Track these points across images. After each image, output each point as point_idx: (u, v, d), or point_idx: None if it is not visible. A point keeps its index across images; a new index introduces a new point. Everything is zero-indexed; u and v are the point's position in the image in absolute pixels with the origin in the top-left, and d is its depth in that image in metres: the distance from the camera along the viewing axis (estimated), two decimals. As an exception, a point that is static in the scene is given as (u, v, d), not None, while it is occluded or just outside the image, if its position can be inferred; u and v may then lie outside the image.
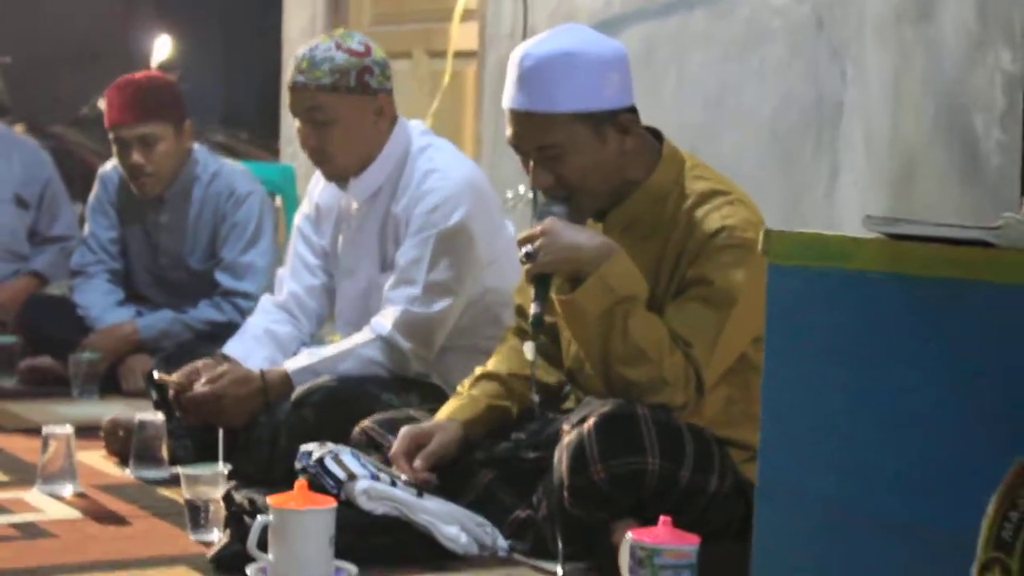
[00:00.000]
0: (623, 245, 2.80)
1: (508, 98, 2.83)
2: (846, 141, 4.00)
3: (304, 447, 2.85)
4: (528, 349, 2.79)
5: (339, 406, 3.22)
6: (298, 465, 2.82)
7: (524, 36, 4.76)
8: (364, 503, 2.75)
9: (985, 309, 1.61)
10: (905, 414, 1.70)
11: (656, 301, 2.78)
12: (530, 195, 2.85)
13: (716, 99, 4.37)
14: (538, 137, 2.79)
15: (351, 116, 3.41)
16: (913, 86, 3.82)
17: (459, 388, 3.07)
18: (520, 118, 2.81)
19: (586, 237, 2.76)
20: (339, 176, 3.47)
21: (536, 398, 2.91)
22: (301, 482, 2.58)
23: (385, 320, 3.37)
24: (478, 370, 3.07)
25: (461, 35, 5.38)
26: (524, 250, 2.75)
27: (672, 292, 2.79)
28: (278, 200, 5.46)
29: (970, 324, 1.63)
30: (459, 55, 5.38)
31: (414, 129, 3.56)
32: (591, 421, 2.65)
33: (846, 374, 1.76)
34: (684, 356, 2.71)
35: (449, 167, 3.46)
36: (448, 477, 2.93)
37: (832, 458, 1.78)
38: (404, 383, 3.36)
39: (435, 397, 3.28)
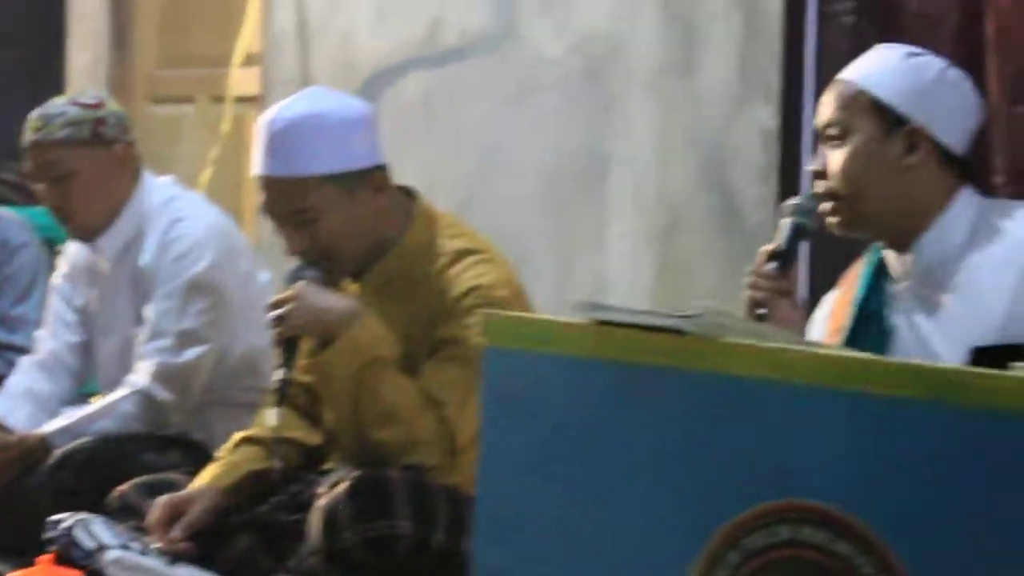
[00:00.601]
0: (378, 306, 2.81)
1: (257, 165, 2.82)
2: (615, 193, 4.06)
3: (53, 517, 2.81)
4: (271, 416, 2.78)
5: (99, 468, 3.18)
6: (48, 536, 2.78)
7: (306, 82, 4.74)
8: (114, 573, 2.72)
9: (677, 393, 1.66)
10: (614, 493, 1.73)
11: (411, 361, 2.79)
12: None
13: (491, 149, 4.40)
14: (290, 202, 2.79)
15: (89, 169, 3.39)
16: (678, 140, 3.90)
17: (219, 453, 3.04)
18: (271, 184, 2.81)
19: (335, 300, 2.77)
20: (84, 233, 3.44)
21: (279, 464, 2.88)
22: (45, 556, 2.54)
23: (140, 374, 3.34)
24: (239, 435, 3.05)
25: (244, 80, 5.35)
26: (273, 314, 2.75)
27: (426, 352, 2.80)
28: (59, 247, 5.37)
29: (665, 408, 1.67)
30: (242, 100, 5.35)
31: (159, 182, 3.54)
32: (343, 485, 2.65)
33: (559, 456, 1.78)
34: (437, 417, 2.72)
35: (194, 215, 3.45)
36: (205, 543, 2.91)
37: (546, 538, 1.80)
38: (165, 442, 3.34)
39: (197, 455, 3.25)
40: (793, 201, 2.70)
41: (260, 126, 2.82)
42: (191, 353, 3.35)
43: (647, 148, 3.98)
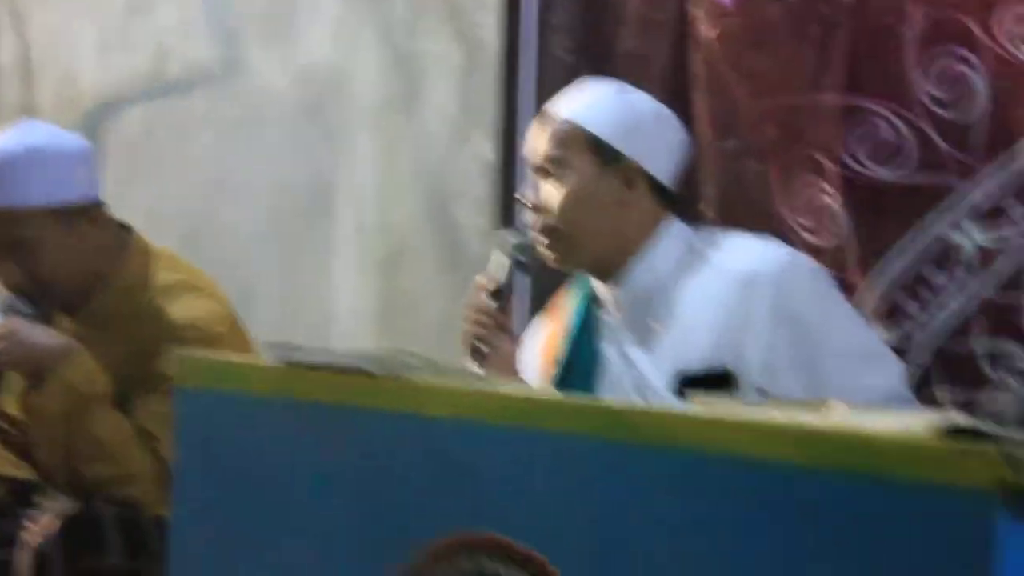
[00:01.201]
0: (92, 341, 2.78)
1: None
2: (340, 225, 4.07)
3: None
4: None
5: None
6: None
7: (29, 115, 4.66)
8: None
9: (365, 432, 1.68)
10: (305, 532, 1.75)
11: (126, 396, 2.78)
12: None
13: (216, 181, 4.39)
14: (6, 233, 2.76)
15: None
16: (402, 173, 3.93)
17: None
18: None
19: (47, 336, 2.74)
20: None
21: None
22: None
23: None
24: None
25: (-33, 112, 5.23)
26: None
27: (141, 387, 2.79)
28: None
29: (353, 447, 1.70)
30: (-35, 133, 5.22)
31: None
32: (54, 523, 2.63)
33: (251, 497, 1.80)
34: (149, 451, 2.72)
35: None
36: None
37: (238, 570, 1.81)
38: None
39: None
40: (508, 235, 2.74)
41: None
42: None
43: (371, 181, 4.01)
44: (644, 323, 2.58)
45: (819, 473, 1.39)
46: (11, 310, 2.77)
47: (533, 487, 1.58)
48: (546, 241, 2.61)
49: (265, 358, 1.75)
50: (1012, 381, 2.77)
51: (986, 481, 1.29)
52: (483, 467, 1.61)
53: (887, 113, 2.99)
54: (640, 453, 1.50)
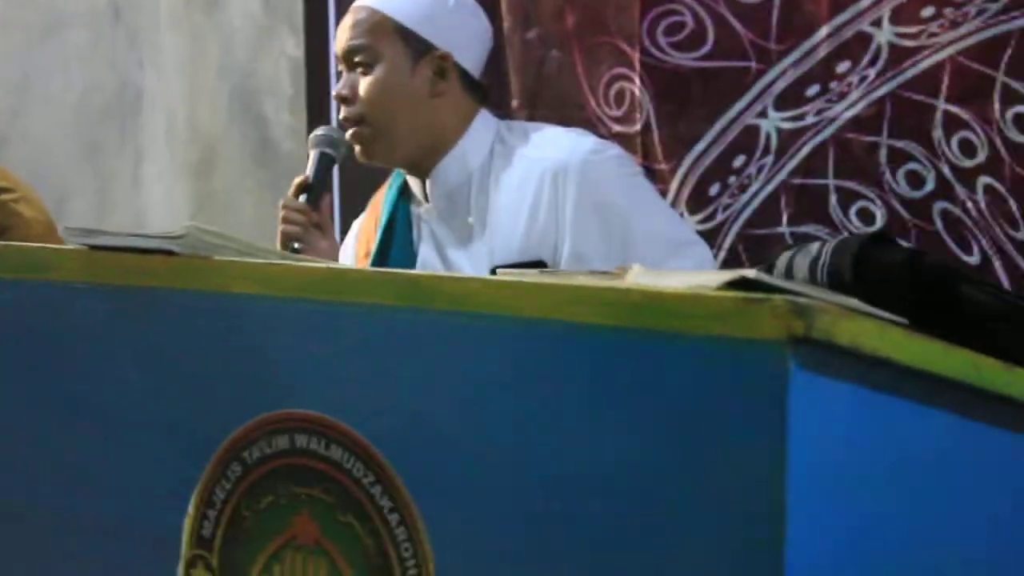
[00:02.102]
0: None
1: None
2: (148, 130, 4.03)
3: None
4: None
5: None
6: None
7: None
8: None
9: (171, 313, 1.68)
10: (113, 420, 1.74)
11: None
12: None
13: (21, 86, 4.30)
14: None
15: None
16: (208, 74, 3.89)
17: None
18: None
19: None
20: None
21: None
22: None
23: None
24: None
25: None
26: None
27: None
28: None
29: (160, 329, 1.69)
30: None
31: None
32: None
33: (54, 385, 1.78)
34: None
35: None
36: None
37: (49, 471, 1.80)
38: None
39: None
40: (320, 131, 2.72)
41: None
42: None
43: (177, 83, 3.96)
44: (455, 217, 2.58)
45: (613, 332, 1.41)
46: None
47: (341, 362, 1.59)
48: (356, 133, 2.60)
49: (68, 243, 1.73)
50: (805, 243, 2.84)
51: (777, 332, 1.31)
52: (290, 344, 1.62)
53: (686, -1, 3.02)
54: (441, 320, 1.51)
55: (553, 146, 2.56)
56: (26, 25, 4.28)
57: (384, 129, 2.58)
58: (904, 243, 2.18)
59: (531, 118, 3.14)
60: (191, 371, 1.68)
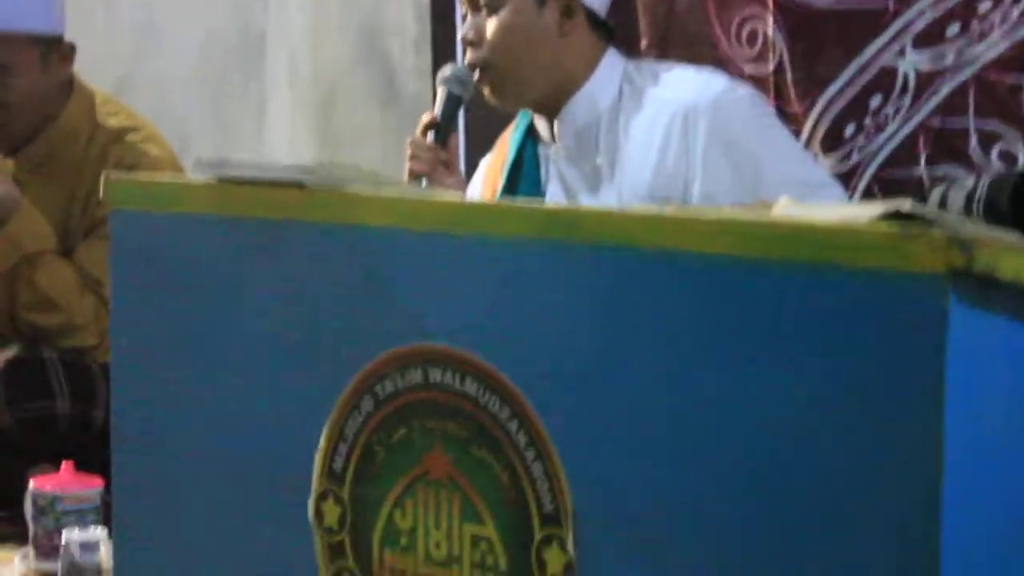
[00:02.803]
0: (33, 184, 2.74)
1: None
2: (271, 72, 4.02)
3: None
4: None
5: None
6: None
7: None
8: None
9: (302, 245, 1.65)
10: (240, 348, 1.72)
11: (69, 240, 2.74)
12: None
13: (145, 30, 4.31)
14: None
15: None
16: (331, 14, 3.86)
17: None
18: None
19: None
20: None
21: None
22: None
23: None
24: None
25: None
26: None
27: (84, 230, 2.75)
28: None
29: (291, 261, 1.66)
30: None
31: None
32: (-1, 366, 2.61)
33: (191, 319, 1.76)
34: (96, 297, 2.68)
35: None
36: None
37: (184, 403, 1.78)
38: None
39: None
40: (447, 70, 2.69)
41: None
42: None
43: (300, 24, 3.94)
44: (584, 156, 2.55)
45: (764, 267, 1.36)
46: None
47: (477, 296, 1.55)
48: (483, 76, 2.56)
49: (196, 175, 1.71)
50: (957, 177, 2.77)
51: (935, 265, 1.26)
52: (424, 277, 1.58)
53: (824, -61, 2.95)
54: (582, 253, 1.47)
55: (683, 87, 2.52)
56: (151, -32, 4.30)
57: (512, 72, 2.54)
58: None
59: (661, 59, 3.08)
60: (323, 304, 1.65)
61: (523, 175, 2.67)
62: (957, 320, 1.26)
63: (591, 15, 2.58)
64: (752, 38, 3.04)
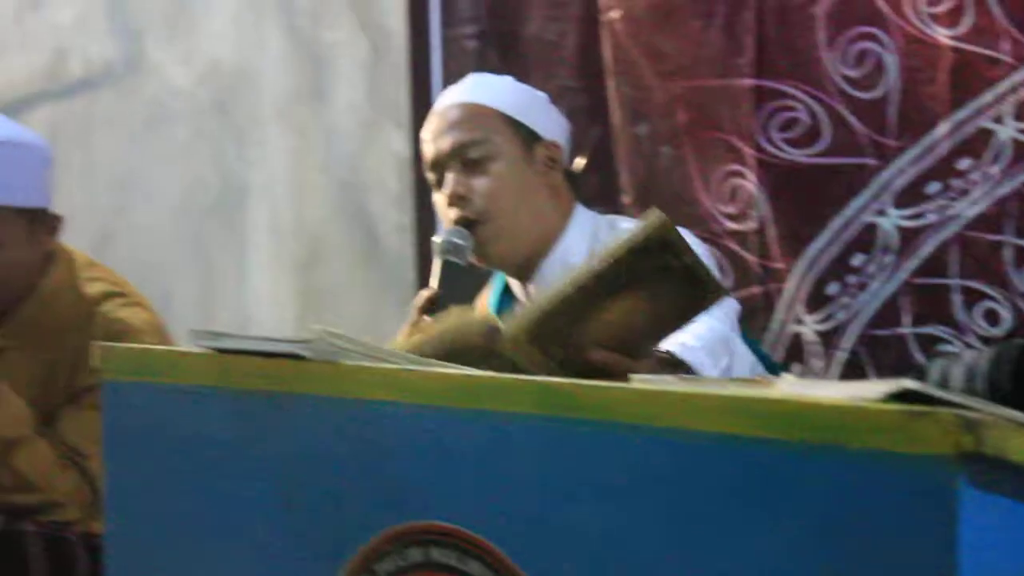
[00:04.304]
0: (13, 354, 2.70)
1: None
2: (253, 224, 4.02)
3: None
4: None
5: None
6: None
7: (-73, 119, 4.56)
8: None
9: (298, 419, 1.64)
10: (238, 523, 1.70)
11: (50, 408, 2.70)
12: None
13: (125, 182, 4.32)
14: None
15: None
16: (313, 168, 3.88)
17: None
18: None
19: None
20: None
21: None
22: None
23: None
24: None
25: None
26: None
27: (67, 399, 2.71)
28: None
29: (286, 434, 1.65)
30: None
31: None
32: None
33: (185, 490, 1.74)
34: (77, 469, 2.64)
35: None
36: None
37: (176, 569, 1.75)
38: None
39: None
40: (441, 237, 2.55)
41: None
42: None
43: (282, 177, 3.95)
44: None
45: (765, 444, 1.35)
46: None
47: (477, 471, 1.54)
48: (476, 230, 2.49)
49: (195, 346, 1.69)
50: (955, 350, 2.77)
51: (944, 447, 1.26)
52: (424, 452, 1.57)
53: (801, 95, 2.97)
54: (581, 429, 1.46)
55: None
56: (129, 121, 4.30)
57: (508, 224, 2.50)
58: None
59: (642, 212, 3.09)
60: (320, 479, 1.63)
61: None
62: (967, 502, 1.26)
63: (565, 170, 2.58)
64: (733, 194, 3.06)
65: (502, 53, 3.35)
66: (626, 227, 2.54)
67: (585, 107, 3.24)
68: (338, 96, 3.83)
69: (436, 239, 2.53)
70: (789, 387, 1.43)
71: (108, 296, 2.77)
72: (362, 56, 3.80)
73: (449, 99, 2.60)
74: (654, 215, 1.88)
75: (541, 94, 2.63)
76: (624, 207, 3.17)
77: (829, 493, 1.32)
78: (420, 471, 1.57)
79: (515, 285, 2.61)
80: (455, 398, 1.56)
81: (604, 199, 3.16)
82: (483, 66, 3.28)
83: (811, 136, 2.97)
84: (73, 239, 2.92)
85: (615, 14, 3.18)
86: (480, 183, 2.50)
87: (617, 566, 1.43)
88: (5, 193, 2.64)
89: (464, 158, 2.52)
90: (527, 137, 2.54)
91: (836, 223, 2.94)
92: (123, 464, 1.78)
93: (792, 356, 2.96)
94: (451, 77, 3.41)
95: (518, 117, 2.54)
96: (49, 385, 2.72)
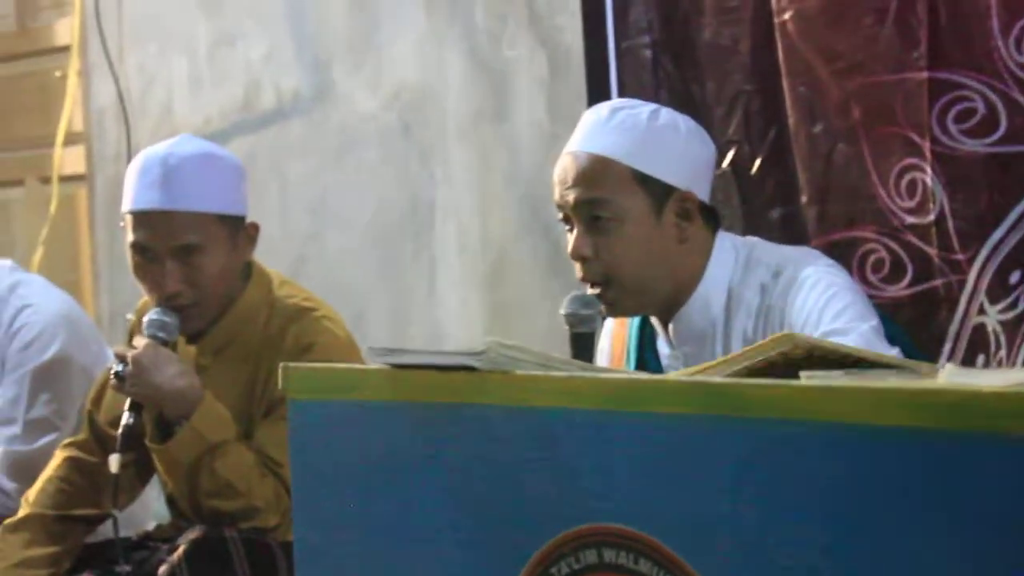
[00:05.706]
0: (215, 369, 2.81)
1: (140, 200, 2.77)
2: (441, 242, 4.10)
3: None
4: (113, 461, 2.75)
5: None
6: None
7: (130, 156, 4.73)
8: None
9: (474, 428, 1.69)
10: (420, 531, 1.76)
11: (249, 421, 2.80)
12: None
13: (317, 206, 4.43)
14: (180, 236, 2.75)
15: None
16: (497, 185, 3.95)
17: None
18: (156, 218, 2.76)
19: (173, 376, 2.71)
20: None
21: (117, 513, 2.83)
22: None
23: (-15, 463, 3.30)
24: (10, 520, 2.98)
25: (68, 159, 5.32)
26: (115, 369, 2.73)
27: (263, 411, 2.81)
28: None
29: (463, 444, 1.70)
30: (68, 179, 5.31)
31: (2, 268, 3.51)
32: (181, 548, 2.66)
33: (369, 503, 1.81)
34: (275, 477, 2.74)
35: (41, 302, 3.42)
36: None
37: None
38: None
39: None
40: (567, 311, 2.46)
41: (145, 163, 2.79)
42: (41, 441, 3.31)
43: (467, 195, 4.03)
44: (700, 357, 2.42)
45: (928, 435, 1.37)
46: (156, 325, 2.75)
47: (647, 473, 1.58)
48: (601, 294, 2.45)
49: (371, 362, 1.76)
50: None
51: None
52: (595, 456, 1.62)
53: (976, 84, 2.95)
54: (749, 428, 1.49)
55: (785, 298, 2.44)
56: (321, 148, 4.42)
57: (636, 286, 2.45)
58: None
59: (821, 213, 3.10)
60: (495, 487, 1.69)
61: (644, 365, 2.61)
62: None
63: (703, 208, 2.50)
64: (911, 188, 3.04)
65: (676, 61, 3.38)
66: (769, 275, 2.48)
67: (761, 109, 3.25)
68: (519, 112, 3.90)
69: (563, 311, 2.46)
70: (949, 376, 1.44)
71: (302, 311, 2.87)
72: (541, 72, 3.86)
73: (585, 138, 2.51)
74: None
75: (678, 128, 2.51)
76: (802, 207, 3.17)
77: (993, 482, 1.34)
78: (591, 474, 1.62)
79: (656, 322, 2.58)
80: (624, 402, 1.60)
81: (782, 199, 3.18)
82: (658, 73, 3.32)
83: (988, 126, 2.94)
84: (271, 265, 3.03)
85: (786, 14, 3.19)
86: (605, 244, 2.44)
87: (785, 563, 1.46)
88: (206, 201, 2.76)
89: (588, 215, 2.45)
90: (659, 193, 2.45)
91: (1016, 212, 2.91)
92: (308, 477, 1.86)
93: (976, 347, 2.94)
94: (627, 87, 3.46)
95: (650, 171, 2.44)
96: (248, 398, 2.83)
